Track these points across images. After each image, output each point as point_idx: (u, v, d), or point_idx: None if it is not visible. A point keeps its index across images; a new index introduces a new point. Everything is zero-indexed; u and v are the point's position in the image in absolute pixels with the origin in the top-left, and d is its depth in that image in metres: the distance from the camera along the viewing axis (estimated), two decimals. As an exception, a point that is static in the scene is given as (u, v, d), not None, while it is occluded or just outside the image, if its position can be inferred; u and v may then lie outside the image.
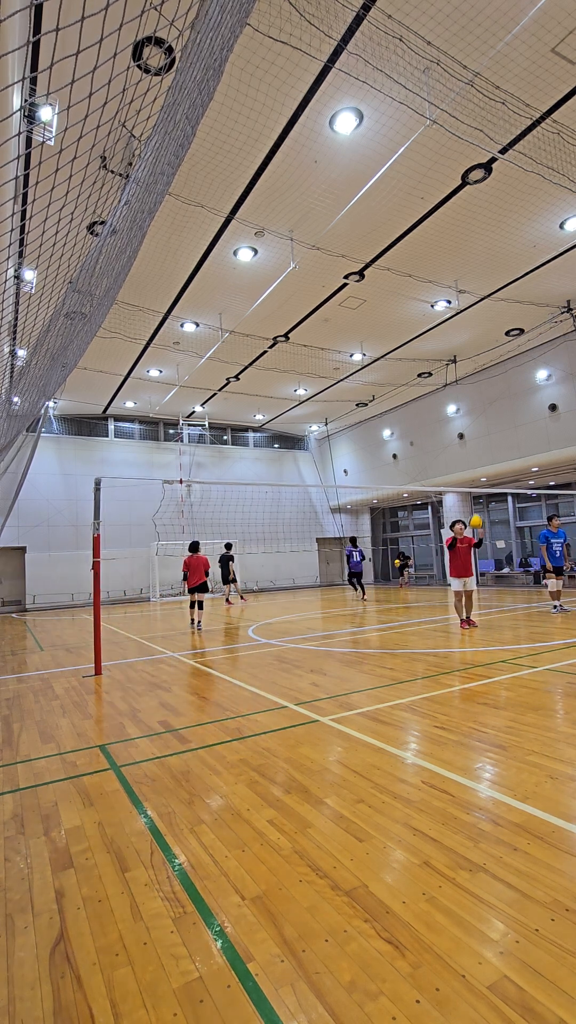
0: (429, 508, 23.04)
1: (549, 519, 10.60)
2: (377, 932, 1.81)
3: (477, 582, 19.45)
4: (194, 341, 14.33)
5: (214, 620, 12.37)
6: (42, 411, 12.41)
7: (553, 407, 15.28)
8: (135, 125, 5.37)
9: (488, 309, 13.32)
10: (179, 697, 5.22)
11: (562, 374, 15.08)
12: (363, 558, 16.36)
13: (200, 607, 10.76)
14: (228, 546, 16.22)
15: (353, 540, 16.32)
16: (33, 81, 5.88)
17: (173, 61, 6.00)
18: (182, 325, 13.40)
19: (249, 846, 2.40)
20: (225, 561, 15.95)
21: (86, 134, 4.06)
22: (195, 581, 10.80)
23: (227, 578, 15.92)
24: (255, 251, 10.41)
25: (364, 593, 16.38)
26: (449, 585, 9.12)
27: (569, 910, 1.87)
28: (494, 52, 6.37)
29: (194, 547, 11.11)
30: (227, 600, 16.68)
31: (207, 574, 10.98)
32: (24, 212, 7.17)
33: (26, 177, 7.30)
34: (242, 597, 17.68)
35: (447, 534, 19.48)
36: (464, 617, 9.03)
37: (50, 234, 4.19)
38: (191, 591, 10.83)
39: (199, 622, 10.75)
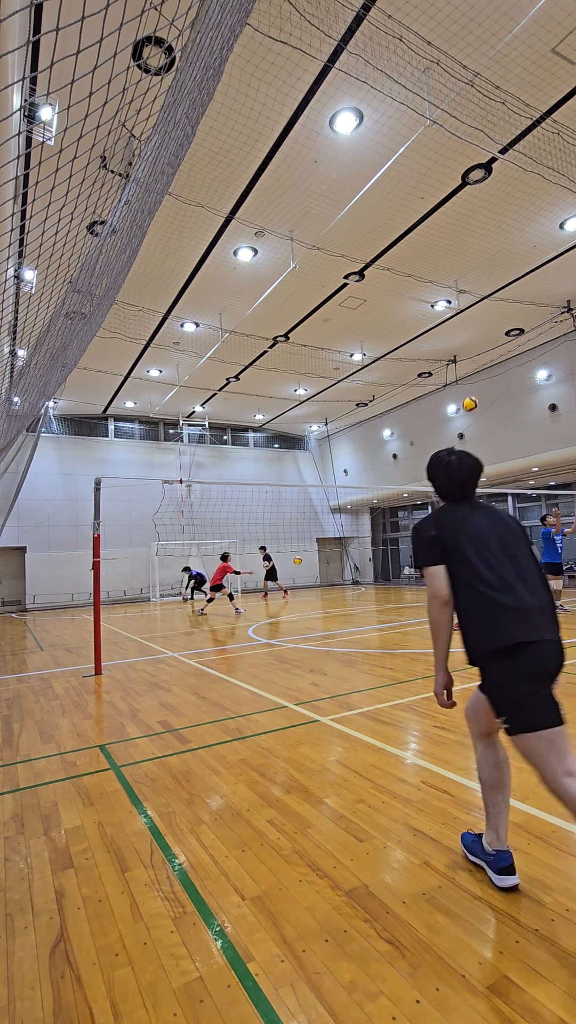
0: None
1: (542, 519, 10.59)
2: (377, 932, 1.81)
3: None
4: (194, 341, 14.33)
5: (222, 619, 12.38)
6: (42, 411, 12.41)
7: (553, 407, 15.29)
8: (135, 125, 5.37)
9: (488, 309, 13.32)
10: (179, 697, 5.22)
11: (562, 374, 15.08)
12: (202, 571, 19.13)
13: (212, 601, 13.67)
14: (263, 548, 18.67)
15: (224, 552, 19.11)
16: (33, 81, 5.88)
17: (173, 61, 6.00)
18: (182, 325, 13.40)
19: (249, 846, 2.40)
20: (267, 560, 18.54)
21: (86, 134, 4.05)
22: (212, 581, 13.34)
23: (272, 576, 18.41)
24: (255, 251, 10.41)
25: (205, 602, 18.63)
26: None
27: (569, 910, 1.87)
28: (494, 52, 6.37)
29: (223, 556, 13.43)
30: (284, 594, 18.79)
31: (223, 576, 13.22)
32: (24, 212, 7.17)
33: (26, 177, 7.30)
34: (265, 594, 19.33)
35: None
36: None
37: (50, 234, 4.19)
38: (211, 589, 13.50)
39: (215, 604, 14.33)
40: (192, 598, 19.27)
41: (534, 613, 1.85)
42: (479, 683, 1.95)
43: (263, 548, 18.51)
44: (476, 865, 2.14)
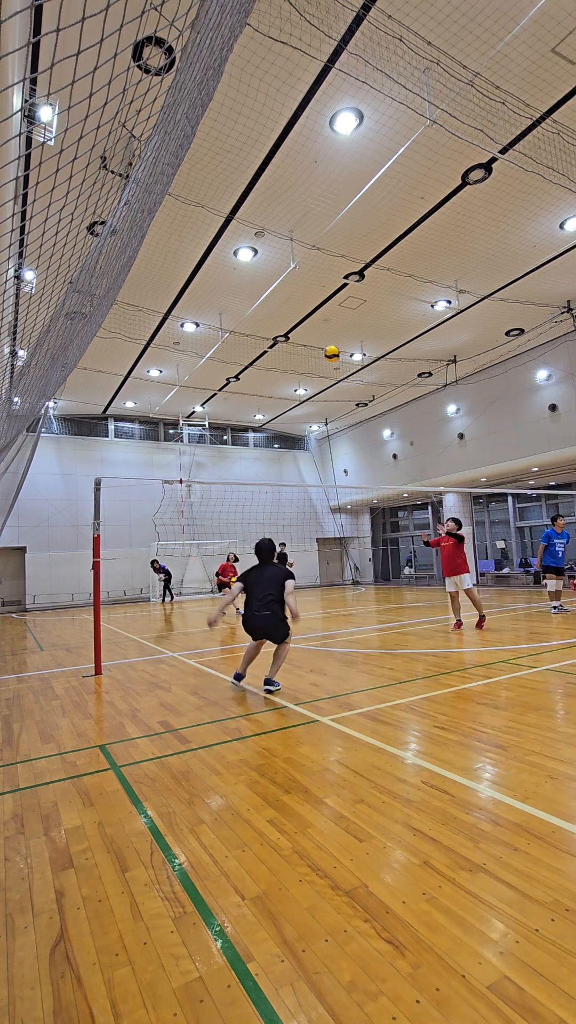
0: (429, 508, 23.04)
1: (553, 519, 10.47)
2: (377, 932, 1.81)
3: (476, 581, 19.43)
4: (194, 341, 14.33)
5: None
6: (42, 411, 12.40)
7: (553, 407, 15.29)
8: (135, 125, 5.37)
9: (488, 309, 13.32)
10: (179, 697, 5.22)
11: (562, 374, 15.08)
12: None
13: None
14: (282, 544, 18.49)
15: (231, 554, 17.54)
16: (33, 81, 5.88)
17: (173, 61, 6.01)
18: (182, 325, 13.40)
19: (249, 846, 2.40)
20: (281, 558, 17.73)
21: (86, 134, 4.05)
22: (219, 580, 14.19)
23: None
24: (255, 251, 10.42)
25: (172, 597, 19.03)
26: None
27: (569, 910, 1.87)
28: (494, 52, 6.37)
29: (230, 558, 14.01)
30: None
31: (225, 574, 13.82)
32: (24, 212, 7.17)
33: (26, 177, 7.30)
34: None
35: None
36: (458, 619, 8.79)
37: (50, 234, 4.19)
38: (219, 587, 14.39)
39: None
40: (166, 599, 18.80)
41: (257, 608, 5.19)
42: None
43: (282, 544, 18.26)
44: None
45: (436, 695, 4.74)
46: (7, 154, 6.15)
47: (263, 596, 5.15)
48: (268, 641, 5.31)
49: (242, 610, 13.75)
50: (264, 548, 5.38)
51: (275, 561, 5.38)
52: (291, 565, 17.86)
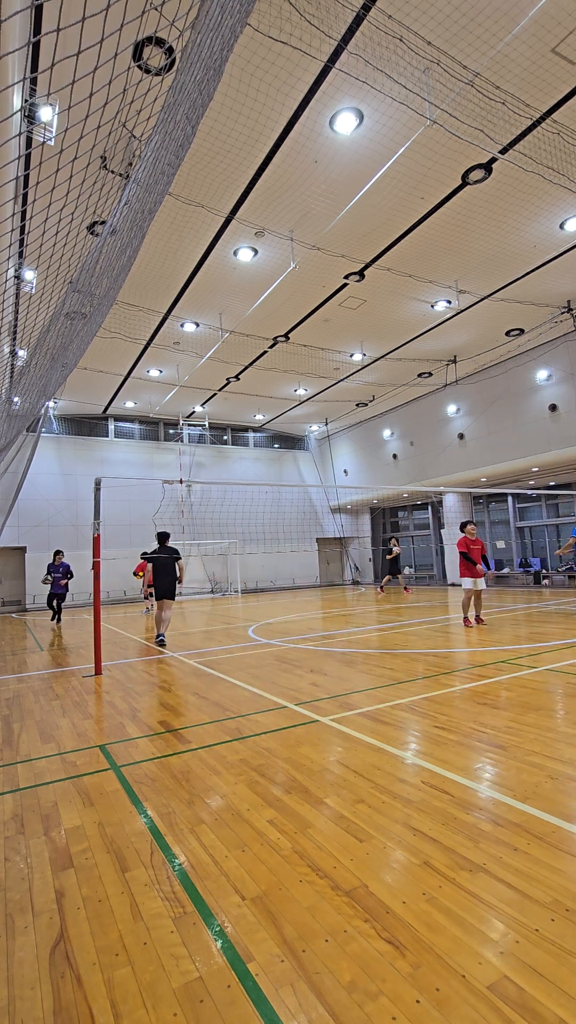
0: (429, 508, 23.03)
1: None
2: (377, 932, 1.81)
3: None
4: (194, 341, 14.33)
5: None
6: (42, 411, 12.39)
7: (553, 407, 15.29)
8: (135, 125, 5.37)
9: (488, 309, 13.32)
10: (179, 697, 5.22)
11: (562, 374, 15.08)
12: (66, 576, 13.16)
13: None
14: (393, 539, 18.21)
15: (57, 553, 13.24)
16: (33, 81, 5.88)
17: (173, 61, 6.01)
18: (182, 325, 13.40)
19: (249, 846, 2.40)
20: (389, 551, 17.95)
21: (86, 134, 4.05)
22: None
23: (394, 568, 17.58)
24: (255, 251, 10.41)
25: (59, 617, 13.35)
26: (459, 585, 9.44)
27: (569, 910, 1.87)
28: (494, 52, 6.37)
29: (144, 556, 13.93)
30: (405, 589, 18.17)
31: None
32: (24, 212, 7.18)
33: (26, 177, 7.30)
34: (405, 588, 18.35)
35: (448, 535, 19.48)
36: (476, 615, 9.21)
37: (50, 234, 4.19)
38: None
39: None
40: (58, 611, 13.25)
41: (165, 577, 8.79)
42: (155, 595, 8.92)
43: (394, 539, 17.84)
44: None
45: (436, 695, 4.74)
46: (7, 154, 6.15)
47: (166, 568, 8.75)
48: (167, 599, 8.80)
49: (147, 611, 13.26)
50: (165, 537, 8.97)
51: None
52: (399, 554, 17.85)
